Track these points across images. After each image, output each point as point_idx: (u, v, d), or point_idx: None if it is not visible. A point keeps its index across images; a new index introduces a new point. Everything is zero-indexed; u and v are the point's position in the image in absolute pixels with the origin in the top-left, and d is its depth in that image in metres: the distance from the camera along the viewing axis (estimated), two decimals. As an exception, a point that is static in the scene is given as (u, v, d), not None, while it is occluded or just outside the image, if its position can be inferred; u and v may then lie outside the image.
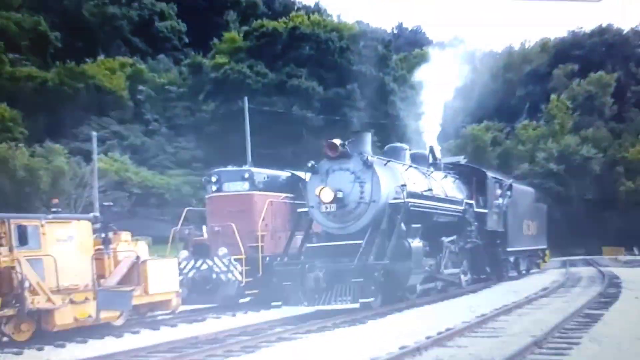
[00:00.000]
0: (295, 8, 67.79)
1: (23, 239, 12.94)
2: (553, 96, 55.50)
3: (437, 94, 23.88)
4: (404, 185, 16.68)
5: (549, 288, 19.94)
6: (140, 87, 54.75)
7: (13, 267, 12.47)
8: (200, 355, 10.52)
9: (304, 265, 15.63)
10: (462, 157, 28.06)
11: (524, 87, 62.63)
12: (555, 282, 22.22)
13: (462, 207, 20.30)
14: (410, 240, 16.02)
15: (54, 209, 15.31)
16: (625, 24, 73.02)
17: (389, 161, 17.44)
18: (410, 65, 55.87)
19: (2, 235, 12.67)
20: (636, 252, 37.12)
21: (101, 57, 57.01)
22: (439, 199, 19.01)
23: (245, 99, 39.69)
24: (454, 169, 22.52)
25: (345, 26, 60.94)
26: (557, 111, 54.25)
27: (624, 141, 52.66)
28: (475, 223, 21.09)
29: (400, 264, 15.61)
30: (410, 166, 18.62)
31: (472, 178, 22.55)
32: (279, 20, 58.93)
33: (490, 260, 22.76)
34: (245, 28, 60.86)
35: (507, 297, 17.50)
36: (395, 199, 16.35)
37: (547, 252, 32.36)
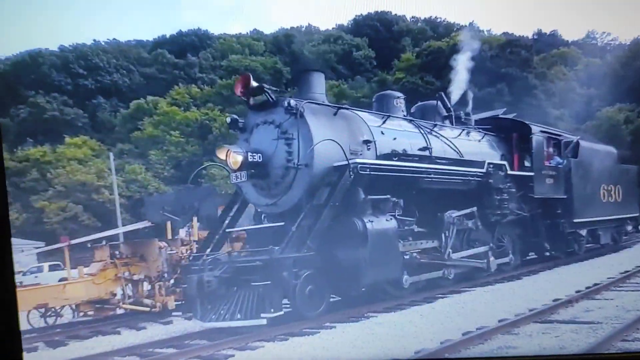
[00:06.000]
0: (455, 29, 65.47)
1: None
2: (679, 77, 48.44)
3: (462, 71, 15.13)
4: (367, 141, 9.58)
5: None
6: (344, 101, 55.83)
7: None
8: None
9: (204, 262, 8.52)
10: (503, 109, 17.02)
11: (652, 71, 55.22)
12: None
13: (484, 170, 11.54)
14: (370, 218, 8.68)
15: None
16: None
17: (340, 108, 9.64)
18: (549, 63, 51.97)
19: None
20: None
21: (317, 82, 58.80)
22: (438, 160, 10.67)
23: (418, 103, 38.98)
24: (489, 124, 13.87)
25: (494, 38, 58.21)
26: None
27: None
28: (513, 190, 12.45)
29: (349, 252, 8.45)
30: (389, 116, 10.50)
31: (511, 134, 13.79)
32: (443, 40, 58.09)
33: (549, 235, 13.87)
34: (417, 49, 60.55)
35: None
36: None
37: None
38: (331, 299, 9.04)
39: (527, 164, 13.72)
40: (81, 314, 10.51)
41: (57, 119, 38.87)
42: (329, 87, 57.41)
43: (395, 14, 69.17)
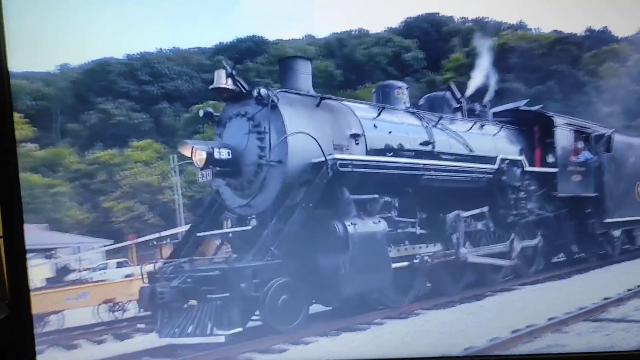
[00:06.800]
0: (503, 28, 64.10)
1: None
2: None
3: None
4: (356, 135, 8.39)
5: None
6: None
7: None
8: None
9: (166, 269, 7.54)
10: (525, 100, 14.59)
11: None
12: None
13: (496, 166, 10.20)
14: (354, 220, 7.52)
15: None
16: None
17: (324, 98, 8.40)
18: (600, 60, 49.84)
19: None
20: None
21: (367, 84, 58.58)
22: (442, 156, 9.46)
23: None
24: (509, 116, 12.19)
25: (543, 36, 56.30)
26: None
27: None
28: (532, 187, 10.96)
29: (329, 258, 7.37)
30: (384, 108, 9.14)
31: (532, 127, 12.09)
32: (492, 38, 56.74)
33: (577, 237, 12.25)
34: (465, 49, 59.22)
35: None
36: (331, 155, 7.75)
37: None
38: (326, 309, 8.24)
39: (550, 159, 12.22)
40: (146, 308, 10.87)
41: (124, 123, 40.35)
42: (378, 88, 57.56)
43: (444, 15, 68.23)
